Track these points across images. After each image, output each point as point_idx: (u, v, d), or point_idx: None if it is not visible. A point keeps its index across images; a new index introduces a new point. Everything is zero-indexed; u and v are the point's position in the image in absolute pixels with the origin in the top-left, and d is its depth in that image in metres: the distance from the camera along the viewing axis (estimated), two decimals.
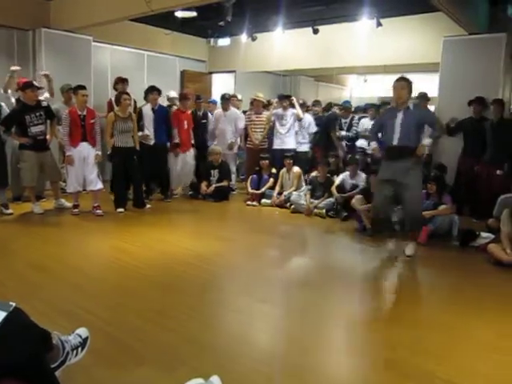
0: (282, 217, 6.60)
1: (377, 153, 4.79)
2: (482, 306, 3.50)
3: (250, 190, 7.35)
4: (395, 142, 4.44)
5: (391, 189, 4.53)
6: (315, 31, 8.49)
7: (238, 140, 8.02)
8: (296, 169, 7.07)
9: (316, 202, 6.52)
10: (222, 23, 7.98)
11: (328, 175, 6.72)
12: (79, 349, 2.21)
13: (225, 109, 7.78)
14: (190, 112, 7.51)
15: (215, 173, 7.42)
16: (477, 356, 2.69)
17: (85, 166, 5.95)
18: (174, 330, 2.87)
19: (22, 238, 4.94)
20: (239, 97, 8.73)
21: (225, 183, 7.40)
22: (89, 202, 6.12)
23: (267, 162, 7.33)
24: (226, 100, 7.82)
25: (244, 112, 8.30)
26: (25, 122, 5.72)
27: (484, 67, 6.70)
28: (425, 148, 4.49)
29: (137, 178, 6.38)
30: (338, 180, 6.62)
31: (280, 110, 7.56)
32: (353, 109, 8.46)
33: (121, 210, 6.19)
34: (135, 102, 6.94)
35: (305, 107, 8.11)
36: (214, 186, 7.33)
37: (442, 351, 2.74)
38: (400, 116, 4.44)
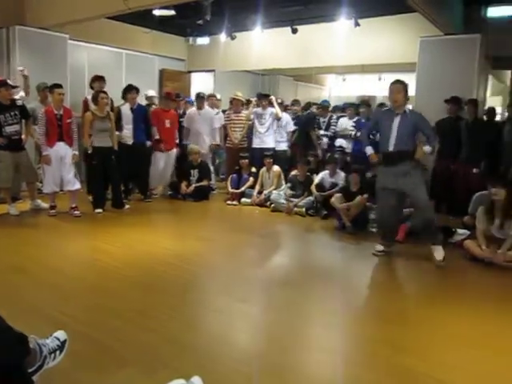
0: (262, 216, 6.61)
1: (374, 159, 4.62)
2: (459, 301, 3.57)
3: (229, 189, 7.34)
4: (391, 147, 4.38)
5: (394, 198, 4.49)
6: (294, 31, 8.53)
7: (218, 139, 8.00)
8: (276, 168, 7.09)
9: (296, 200, 6.55)
10: (200, 22, 7.94)
11: (308, 174, 6.76)
12: (57, 352, 2.17)
13: (199, 108, 7.73)
14: (175, 111, 7.51)
15: (195, 172, 7.38)
16: (454, 350, 2.75)
17: (62, 166, 5.85)
18: (154, 330, 2.85)
19: None
20: (218, 96, 8.70)
21: (205, 183, 7.38)
22: (66, 202, 6.02)
23: (247, 161, 7.33)
24: (201, 99, 7.79)
25: (223, 111, 8.28)
26: None
27: (459, 67, 6.83)
28: (425, 153, 4.40)
29: (115, 177, 6.30)
30: (317, 179, 6.66)
31: (259, 109, 7.57)
32: (331, 108, 8.52)
33: (99, 210, 6.12)
34: (112, 101, 6.85)
35: (283, 106, 8.14)
36: (193, 185, 7.30)
37: (421, 347, 2.79)
38: (397, 120, 4.37)
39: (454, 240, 5.12)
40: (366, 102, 7.84)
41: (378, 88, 11.81)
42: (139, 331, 2.83)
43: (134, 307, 3.20)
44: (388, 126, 4.42)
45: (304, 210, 6.44)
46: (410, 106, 4.45)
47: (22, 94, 6.34)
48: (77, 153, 5.96)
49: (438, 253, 4.43)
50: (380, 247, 4.71)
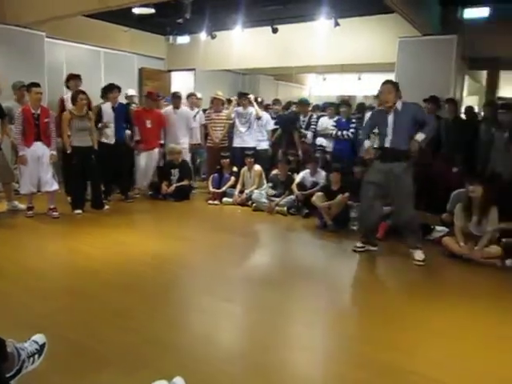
0: (243, 215, 6.61)
1: (369, 154, 4.61)
2: (438, 297, 3.63)
3: (211, 188, 7.31)
4: (387, 144, 4.42)
5: (378, 192, 4.52)
6: (274, 30, 8.54)
7: (198, 138, 7.97)
8: (257, 167, 7.10)
9: (277, 199, 6.57)
10: (180, 21, 7.90)
11: (289, 173, 6.78)
12: (36, 356, 2.13)
13: (176, 107, 7.68)
14: (158, 111, 7.50)
15: (176, 172, 7.33)
16: (436, 346, 2.79)
17: (39, 166, 5.75)
18: (135, 330, 2.82)
19: None
20: (199, 95, 8.66)
21: (185, 182, 7.34)
22: (44, 203, 5.91)
23: (228, 160, 7.32)
24: (178, 98, 7.74)
25: (204, 110, 8.25)
26: None
27: (437, 67, 6.94)
28: (416, 144, 4.37)
29: (95, 178, 6.21)
30: (298, 178, 6.69)
31: (240, 109, 7.56)
32: (310, 107, 8.52)
33: (78, 211, 6.02)
34: (89, 100, 6.74)
35: (263, 106, 8.13)
36: (174, 185, 7.25)
37: (404, 344, 2.82)
38: (390, 119, 4.41)
39: (432, 237, 5.22)
40: (346, 101, 7.89)
41: (357, 88, 11.93)
42: (119, 332, 2.80)
43: (113, 308, 3.16)
44: (383, 125, 4.47)
45: (285, 209, 6.45)
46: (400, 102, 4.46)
47: None
48: (55, 153, 5.86)
49: (418, 254, 4.49)
50: (360, 244, 4.76)
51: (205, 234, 5.53)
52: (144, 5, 7.38)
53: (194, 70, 10.81)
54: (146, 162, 7.28)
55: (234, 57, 9.57)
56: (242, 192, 7.09)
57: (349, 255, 4.74)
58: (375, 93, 7.04)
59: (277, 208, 6.53)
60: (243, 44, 9.31)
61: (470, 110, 7.40)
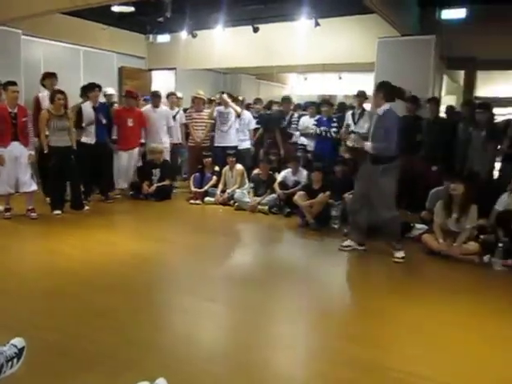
0: (225, 214, 6.60)
1: (354, 142, 4.66)
2: (417, 293, 3.69)
3: (193, 188, 7.28)
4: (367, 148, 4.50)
5: (366, 187, 4.57)
6: (255, 29, 8.54)
7: (180, 137, 7.93)
8: (239, 166, 7.09)
9: (259, 198, 6.57)
10: (161, 19, 7.84)
11: (270, 172, 6.79)
12: (15, 360, 2.10)
13: (155, 106, 7.63)
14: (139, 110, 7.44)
15: (157, 172, 7.28)
16: (416, 341, 2.84)
17: (17, 166, 5.64)
18: (116, 332, 2.79)
19: None
20: (179, 94, 8.60)
21: (167, 182, 7.29)
22: (22, 204, 5.80)
23: (210, 159, 7.30)
24: (157, 97, 7.69)
25: (185, 110, 8.21)
26: None
27: (416, 67, 7.03)
28: (360, 143, 4.52)
29: (74, 178, 6.12)
30: (280, 177, 6.71)
31: (222, 108, 7.54)
32: (292, 106, 8.52)
33: (58, 212, 5.93)
34: (66, 99, 6.63)
35: (244, 105, 8.10)
36: (155, 185, 7.20)
37: (385, 341, 2.86)
38: (374, 122, 4.56)
39: (412, 235, 5.30)
40: (327, 100, 7.93)
41: (338, 87, 12.00)
42: (101, 333, 2.77)
43: (93, 309, 3.13)
44: (370, 126, 4.60)
45: (267, 208, 6.47)
46: (368, 105, 4.56)
47: None
48: (33, 153, 5.77)
49: (398, 252, 4.54)
50: (349, 242, 4.78)
51: (186, 234, 5.50)
52: (124, 3, 7.30)
53: (174, 69, 10.74)
54: (127, 161, 7.22)
55: (216, 56, 9.53)
56: (223, 191, 7.08)
57: (330, 253, 4.77)
58: (355, 92, 7.11)
59: (259, 207, 6.53)
60: (224, 43, 9.27)
61: (450, 109, 7.50)
